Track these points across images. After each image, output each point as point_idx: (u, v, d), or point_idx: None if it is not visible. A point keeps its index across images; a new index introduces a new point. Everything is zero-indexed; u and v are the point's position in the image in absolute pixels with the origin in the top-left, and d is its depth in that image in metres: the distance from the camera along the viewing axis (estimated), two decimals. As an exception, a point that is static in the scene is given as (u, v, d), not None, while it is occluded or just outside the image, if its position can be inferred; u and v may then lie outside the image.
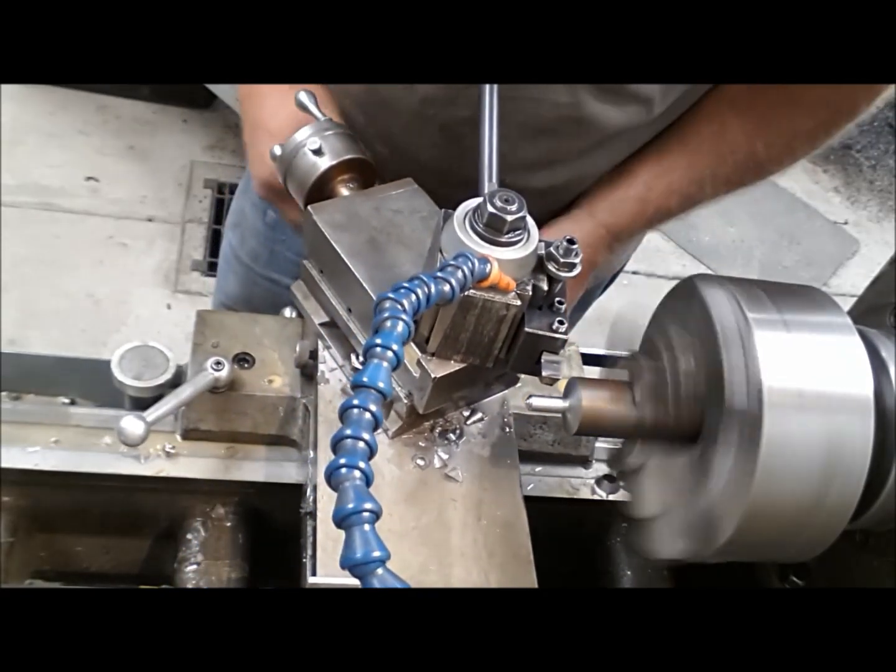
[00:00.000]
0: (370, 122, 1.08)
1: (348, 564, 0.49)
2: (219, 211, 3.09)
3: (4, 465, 0.86)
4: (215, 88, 3.11)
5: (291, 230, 1.15)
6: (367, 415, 0.54)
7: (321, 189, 0.92)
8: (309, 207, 0.87)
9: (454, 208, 0.83)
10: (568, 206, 1.15)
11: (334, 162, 0.91)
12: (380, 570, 0.49)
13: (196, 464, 0.90)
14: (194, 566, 0.88)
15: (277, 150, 0.92)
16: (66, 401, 0.99)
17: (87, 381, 1.03)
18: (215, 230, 3.06)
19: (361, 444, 0.53)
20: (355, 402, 0.54)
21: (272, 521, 0.94)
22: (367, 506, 0.50)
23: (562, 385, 0.79)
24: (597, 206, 1.08)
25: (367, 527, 0.50)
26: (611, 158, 1.10)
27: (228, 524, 0.91)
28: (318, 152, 0.91)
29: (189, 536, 0.90)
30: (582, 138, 1.04)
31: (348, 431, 0.53)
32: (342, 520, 0.50)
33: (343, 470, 0.51)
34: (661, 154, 1.07)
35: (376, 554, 0.49)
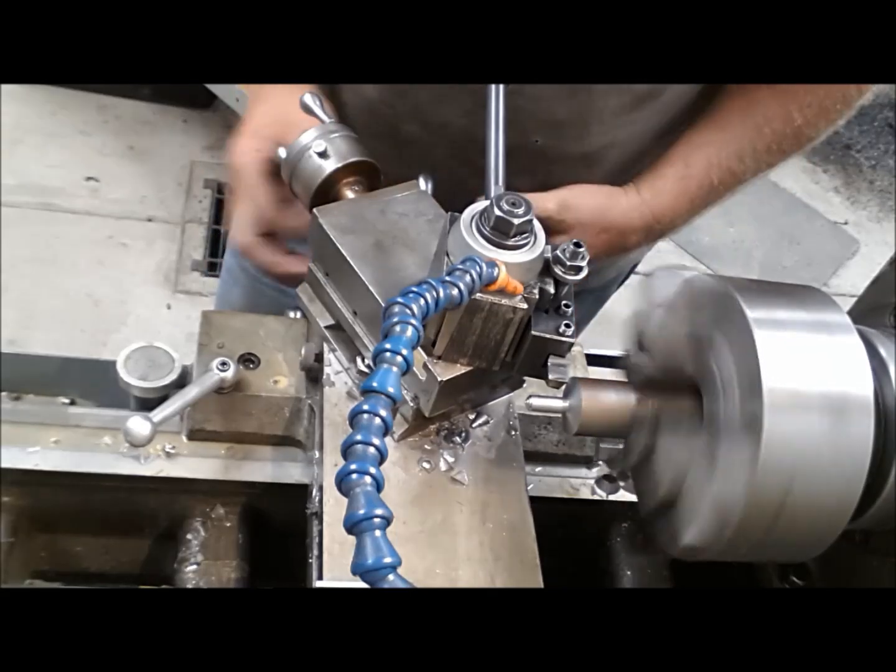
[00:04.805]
0: (400, 99, 1.07)
1: (360, 571, 0.49)
2: (219, 211, 3.09)
3: (4, 465, 0.86)
4: (215, 88, 3.11)
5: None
6: (377, 420, 0.54)
7: (326, 192, 0.92)
8: (314, 210, 0.87)
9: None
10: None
11: (340, 165, 0.91)
12: (391, 577, 0.49)
13: (196, 464, 0.90)
14: (194, 566, 0.88)
15: (283, 153, 0.93)
16: (66, 401, 0.99)
17: (87, 381, 1.03)
18: (215, 230, 3.06)
19: (372, 450, 0.53)
20: (365, 407, 0.55)
21: (273, 521, 0.94)
22: (379, 512, 0.50)
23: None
24: (640, 185, 1.06)
25: (378, 533, 0.50)
26: (644, 123, 1.08)
27: (228, 524, 0.91)
28: (323, 155, 0.91)
29: (189, 536, 0.90)
30: (614, 97, 1.02)
31: (358, 437, 0.53)
32: (353, 526, 0.50)
33: (354, 476, 0.51)
34: (693, 133, 1.06)
35: (388, 560, 0.49)
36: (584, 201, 1.01)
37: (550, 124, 1.04)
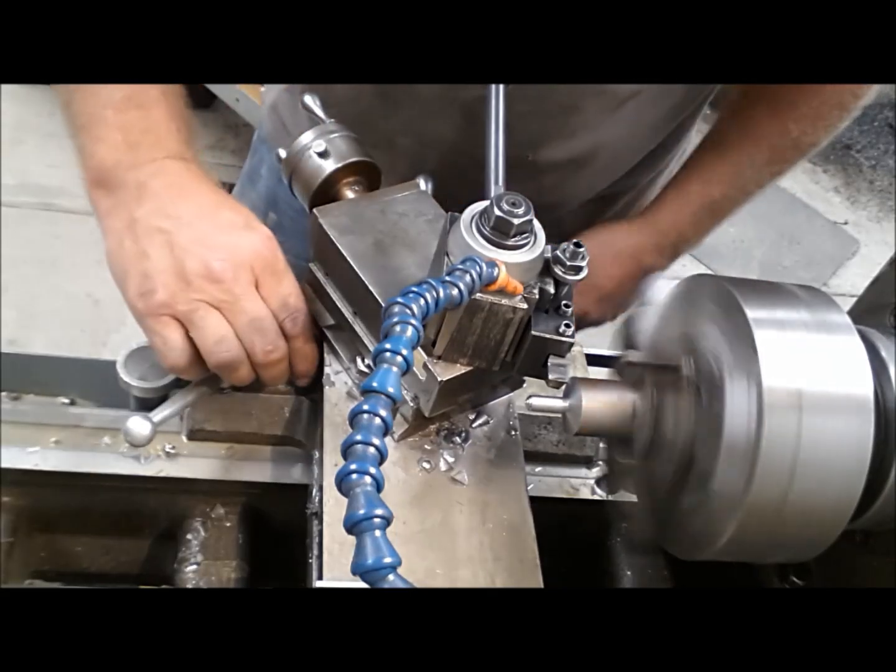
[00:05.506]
0: (392, 110, 1.08)
1: (360, 571, 0.49)
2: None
3: (4, 465, 0.86)
4: (215, 88, 3.11)
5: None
6: (377, 420, 0.54)
7: (326, 192, 0.92)
8: (314, 210, 0.87)
9: (482, 192, 0.83)
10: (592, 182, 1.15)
11: (339, 165, 0.91)
12: (391, 577, 0.49)
13: (196, 464, 0.90)
14: (194, 566, 0.88)
15: (283, 153, 0.93)
16: (66, 401, 0.99)
17: (87, 381, 1.03)
18: (215, 230, 3.06)
19: (372, 450, 0.53)
20: (365, 407, 0.54)
21: (273, 521, 0.94)
22: (379, 512, 0.50)
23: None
24: (642, 211, 1.11)
25: (378, 533, 0.50)
26: (628, 122, 1.09)
27: (228, 524, 0.91)
28: (323, 155, 0.91)
29: (189, 536, 0.90)
30: (598, 108, 1.04)
31: (358, 437, 0.53)
32: (353, 526, 0.50)
33: (354, 476, 0.51)
34: (690, 159, 1.10)
35: (388, 560, 0.49)
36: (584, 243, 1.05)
37: (538, 136, 1.04)
